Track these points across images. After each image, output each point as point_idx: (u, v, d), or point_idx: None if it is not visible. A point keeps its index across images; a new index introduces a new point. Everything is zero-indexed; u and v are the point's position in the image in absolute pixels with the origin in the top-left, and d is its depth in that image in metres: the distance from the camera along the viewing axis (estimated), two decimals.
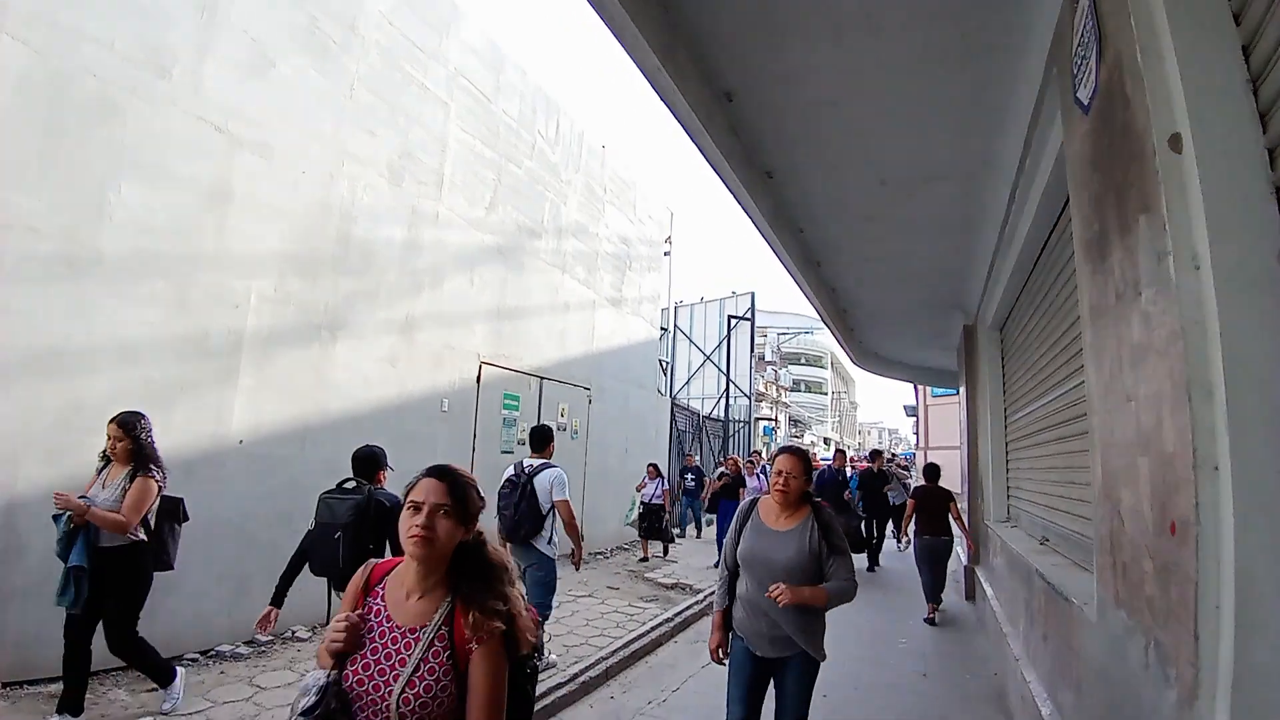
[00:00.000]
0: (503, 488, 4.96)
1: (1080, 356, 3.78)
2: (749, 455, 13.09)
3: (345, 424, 6.30)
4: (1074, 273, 3.80)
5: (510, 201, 8.58)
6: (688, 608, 7.08)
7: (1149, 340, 1.91)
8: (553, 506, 4.80)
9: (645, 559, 9.79)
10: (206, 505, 5.19)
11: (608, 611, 6.81)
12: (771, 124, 4.14)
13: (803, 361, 63.82)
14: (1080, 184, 2.62)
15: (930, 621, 7.05)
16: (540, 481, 4.81)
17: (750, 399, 20.22)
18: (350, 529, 3.59)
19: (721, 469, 10.86)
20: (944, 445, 29.44)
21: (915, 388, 34.45)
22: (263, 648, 5.45)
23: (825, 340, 63.91)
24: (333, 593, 3.94)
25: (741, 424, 19.71)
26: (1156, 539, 1.89)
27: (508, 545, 4.79)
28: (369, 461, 3.96)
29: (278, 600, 3.72)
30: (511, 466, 5.09)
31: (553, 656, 5.17)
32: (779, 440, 45.00)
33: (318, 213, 6.15)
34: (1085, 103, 2.48)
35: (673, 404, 14.47)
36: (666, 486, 9.79)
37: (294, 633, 5.73)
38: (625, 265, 11.62)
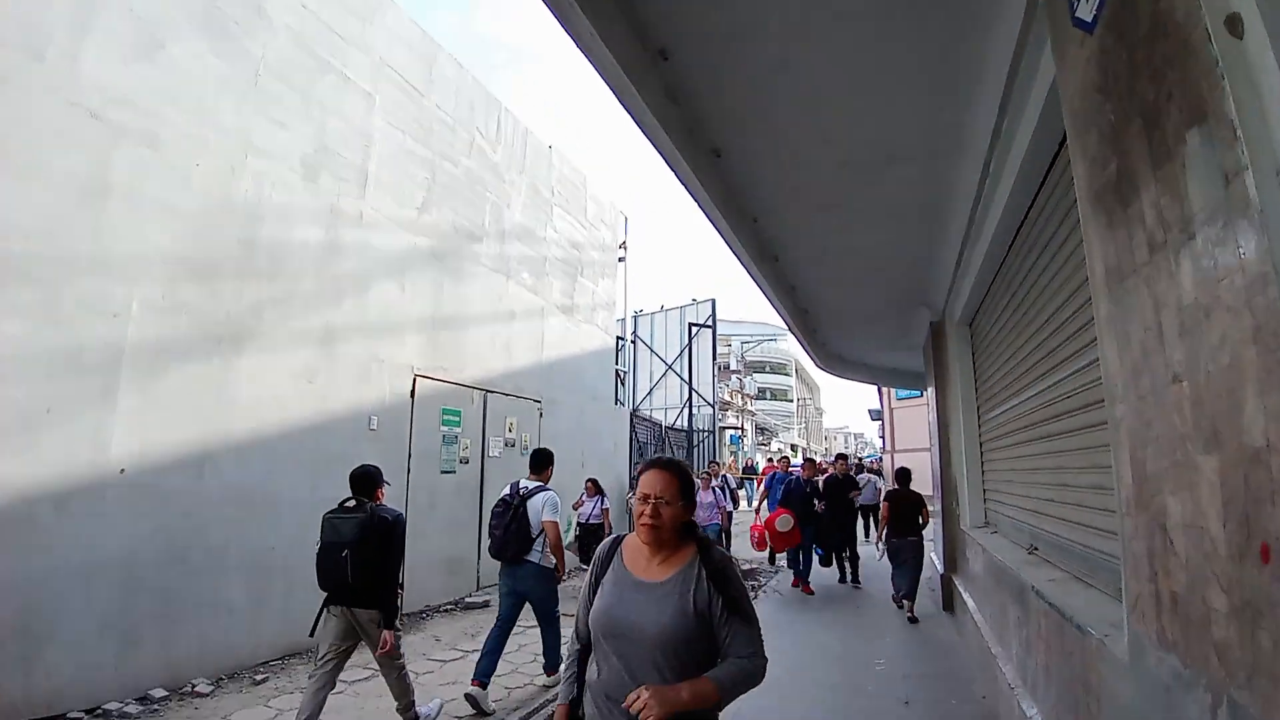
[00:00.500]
0: (496, 506, 5.03)
1: (1072, 342, 3.33)
2: (705, 467, 12.40)
3: (253, 448, 5.60)
4: (1064, 245, 3.36)
5: (446, 202, 7.96)
6: None
7: (1212, 295, 1.41)
8: (543, 529, 4.86)
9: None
10: (84, 543, 4.57)
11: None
12: (714, 90, 3.61)
13: (767, 370, 63.90)
14: (1085, 122, 2.13)
15: (913, 620, 7.10)
16: (533, 504, 4.89)
17: (714, 407, 19.76)
18: (356, 546, 3.71)
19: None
20: (911, 448, 29.38)
21: (880, 391, 34.45)
22: (156, 705, 4.72)
23: (789, 347, 64.13)
24: (325, 610, 3.95)
25: (706, 433, 19.22)
26: (1234, 566, 1.38)
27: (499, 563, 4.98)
28: (366, 480, 4.08)
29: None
30: (508, 486, 5.13)
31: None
32: (746, 449, 44.69)
33: (217, 211, 5.49)
34: (1089, 19, 2.00)
35: (632, 415, 13.90)
36: (607, 505, 8.65)
37: (194, 686, 4.99)
38: (576, 271, 11.05)
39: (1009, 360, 5.05)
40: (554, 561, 5.03)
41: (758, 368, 60.69)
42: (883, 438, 35.20)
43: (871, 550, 8.73)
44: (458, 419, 7.89)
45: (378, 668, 4.14)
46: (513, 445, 8.93)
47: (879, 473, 16.64)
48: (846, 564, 9.22)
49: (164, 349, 5.02)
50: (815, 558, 8.77)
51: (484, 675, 4.71)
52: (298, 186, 6.16)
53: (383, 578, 3.80)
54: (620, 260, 13.40)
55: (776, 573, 9.85)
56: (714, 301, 19.85)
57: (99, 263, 4.72)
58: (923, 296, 7.53)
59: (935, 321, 7.84)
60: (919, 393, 30.20)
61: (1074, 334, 3.27)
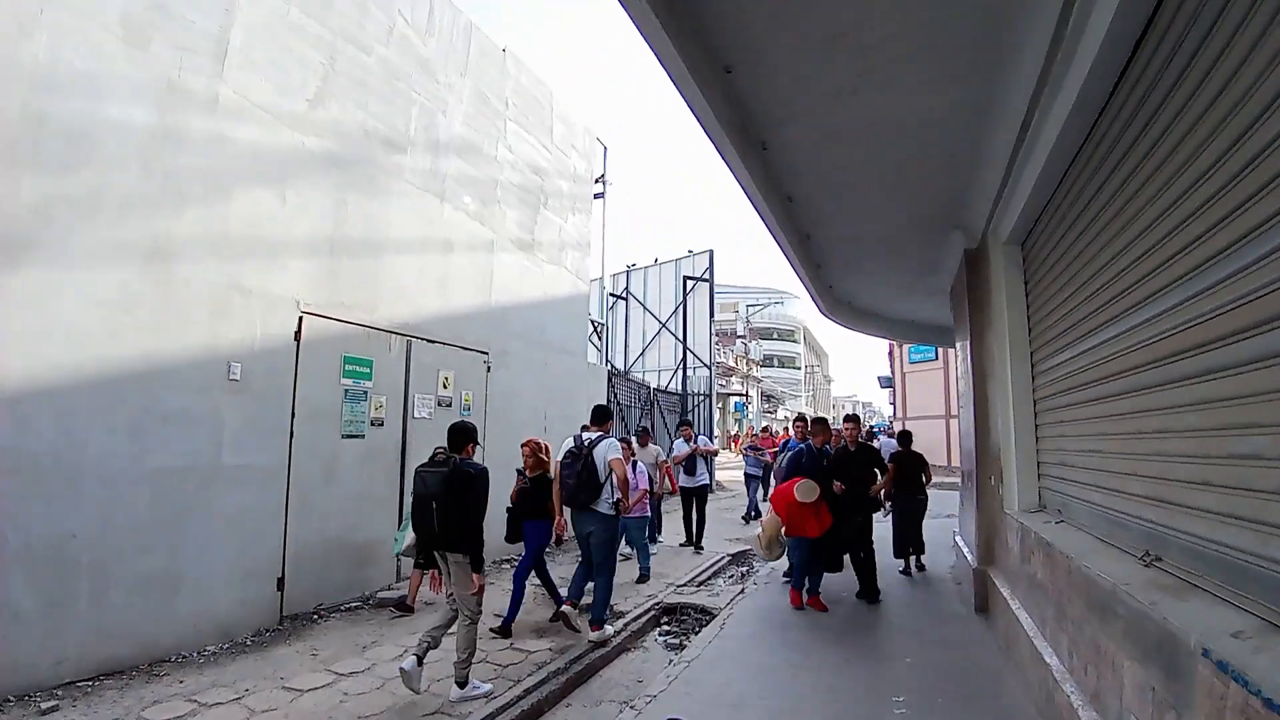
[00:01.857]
0: (564, 458, 5.37)
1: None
2: (678, 427, 10.38)
3: (36, 400, 4.05)
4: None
5: (351, 96, 6.27)
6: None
7: None
8: (610, 472, 5.23)
9: (407, 608, 5.88)
10: None
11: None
12: None
13: (775, 336, 62.25)
14: None
15: (921, 568, 7.74)
16: (599, 452, 5.27)
17: (710, 369, 18.10)
18: (441, 498, 4.05)
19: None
20: (923, 415, 27.82)
21: (890, 356, 32.80)
22: None
23: (797, 313, 62.47)
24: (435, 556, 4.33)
25: (702, 397, 17.60)
26: None
27: (568, 510, 5.45)
28: (460, 435, 4.34)
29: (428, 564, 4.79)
30: (571, 439, 5.48)
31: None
32: (750, 416, 43.16)
33: None
34: None
35: (611, 374, 12.28)
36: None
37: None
38: (539, 201, 9.34)
39: (1089, 283, 3.42)
40: (613, 510, 5.37)
41: (765, 334, 59.02)
42: (893, 404, 33.60)
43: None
44: (368, 371, 6.30)
45: (455, 612, 4.27)
46: (448, 405, 7.35)
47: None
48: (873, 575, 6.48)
49: None
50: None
51: (576, 595, 5.44)
52: (116, 53, 4.51)
53: (465, 525, 4.08)
54: (597, 197, 11.68)
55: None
56: (712, 253, 18.07)
57: None
58: (955, 213, 5.85)
59: (971, 249, 6.15)
60: (933, 355, 28.62)
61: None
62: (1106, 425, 3.34)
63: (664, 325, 18.94)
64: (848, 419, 6.97)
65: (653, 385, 15.91)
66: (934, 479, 8.11)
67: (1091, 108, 3.22)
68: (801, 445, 6.79)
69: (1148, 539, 2.81)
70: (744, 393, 44.90)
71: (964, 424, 7.12)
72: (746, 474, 12.94)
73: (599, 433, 5.43)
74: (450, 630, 4.27)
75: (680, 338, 17.90)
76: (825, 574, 6.34)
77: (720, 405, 38.08)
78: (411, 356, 6.83)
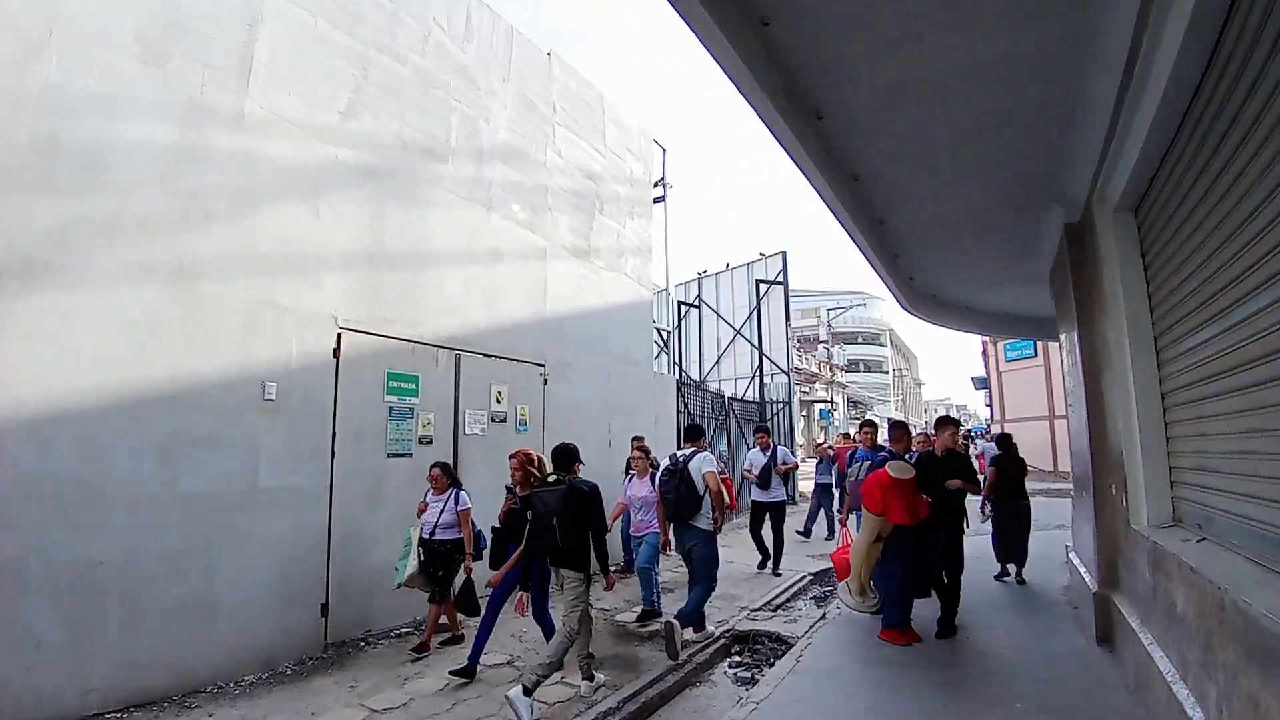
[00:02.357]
0: (662, 475, 5.66)
1: None
2: (754, 433, 9.29)
3: (60, 425, 3.95)
4: None
5: (386, 107, 6.09)
6: None
7: None
8: (706, 485, 5.43)
9: (424, 647, 5.23)
10: None
11: None
12: None
13: (860, 340, 60.22)
14: None
15: (1008, 579, 7.29)
16: (694, 466, 5.48)
17: (789, 375, 17.29)
18: (563, 515, 4.28)
19: (509, 485, 5.08)
20: (1024, 416, 25.87)
21: (984, 355, 30.79)
22: None
23: (882, 316, 60.19)
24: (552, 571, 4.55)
25: (781, 404, 16.81)
26: None
27: (670, 526, 5.67)
28: (567, 456, 4.57)
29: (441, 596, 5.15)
30: (668, 458, 5.76)
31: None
32: (837, 424, 41.59)
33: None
34: None
35: (680, 383, 11.75)
36: (466, 505, 5.29)
37: None
38: (594, 207, 9.00)
39: (1236, 238, 2.69)
40: (713, 527, 5.58)
41: (849, 338, 57.14)
42: (990, 406, 31.49)
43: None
44: (414, 387, 6.05)
45: (561, 620, 4.40)
46: (503, 420, 7.05)
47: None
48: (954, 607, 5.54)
49: None
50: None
51: (699, 622, 5.56)
52: (132, 72, 4.44)
53: (588, 539, 4.33)
54: (658, 201, 11.26)
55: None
56: (784, 254, 17.31)
57: None
58: (1052, 184, 5.07)
59: (1073, 223, 5.34)
60: (1032, 350, 26.61)
61: None
62: (1263, 419, 2.61)
63: (738, 332, 18.29)
64: (942, 421, 5.93)
65: (728, 394, 15.30)
66: (1041, 486, 7.91)
67: (1212, 22, 2.54)
68: (870, 455, 6.07)
69: None
70: (829, 399, 43.37)
71: (1074, 425, 6.23)
72: (816, 483, 11.37)
73: (693, 448, 5.72)
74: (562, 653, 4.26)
75: (755, 344, 17.21)
76: (915, 599, 5.57)
77: (804, 413, 36.90)
78: (460, 371, 6.56)
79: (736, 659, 5.51)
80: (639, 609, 6.14)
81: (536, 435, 7.49)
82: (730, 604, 6.56)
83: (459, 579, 5.23)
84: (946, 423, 5.91)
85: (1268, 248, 2.40)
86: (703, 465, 5.48)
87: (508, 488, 5.05)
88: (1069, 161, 4.64)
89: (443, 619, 5.43)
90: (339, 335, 5.44)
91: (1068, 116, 4.07)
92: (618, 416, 9.00)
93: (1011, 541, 7.28)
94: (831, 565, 6.68)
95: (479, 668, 4.69)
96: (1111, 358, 4.69)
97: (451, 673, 4.61)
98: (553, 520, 4.28)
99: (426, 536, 5.14)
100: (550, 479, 4.48)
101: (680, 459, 5.59)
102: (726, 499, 5.70)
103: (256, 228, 5.00)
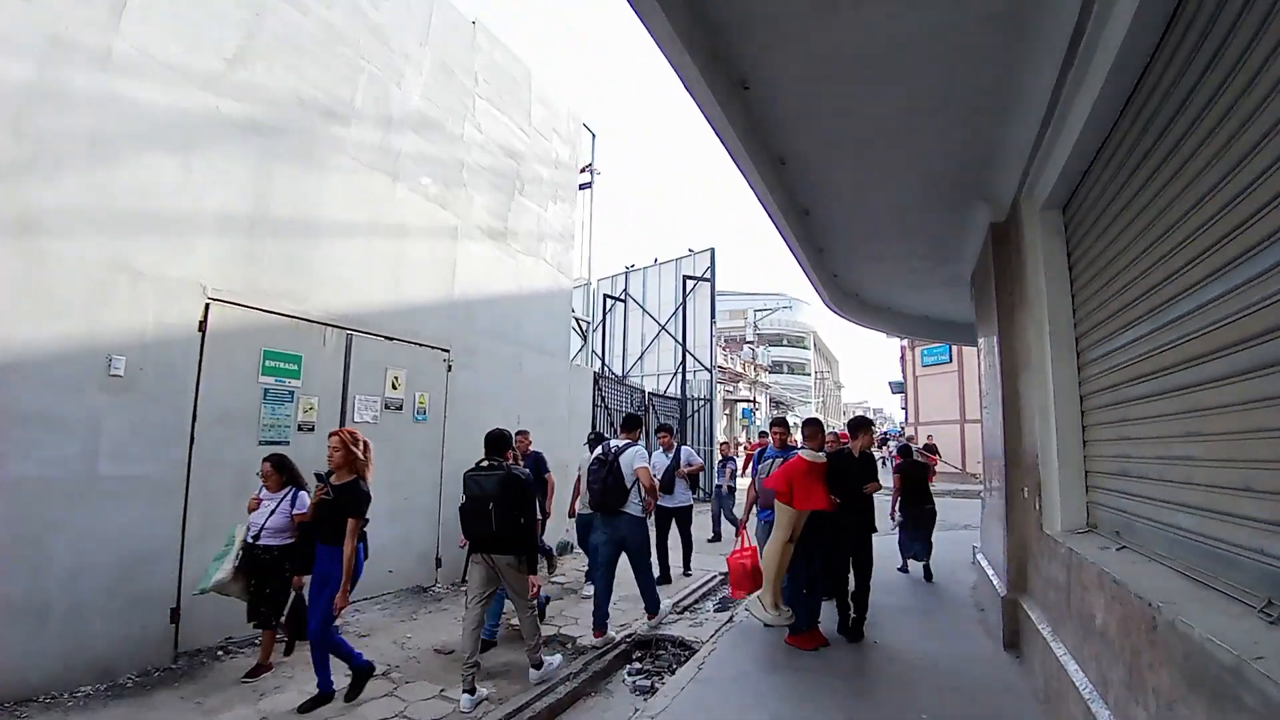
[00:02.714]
0: (591, 465, 5.62)
1: None
2: (656, 433, 8.96)
3: None
4: None
5: (281, 59, 5.46)
6: None
7: None
8: (636, 479, 5.39)
9: (262, 666, 4.48)
10: None
11: None
12: None
13: (784, 343, 61.23)
14: None
15: (929, 578, 7.49)
16: (625, 459, 5.43)
17: (711, 372, 17.18)
18: (499, 500, 4.16)
19: (321, 473, 4.24)
20: (937, 420, 26.72)
21: (902, 360, 31.70)
22: None
23: (807, 319, 61.47)
24: (474, 556, 4.36)
25: (703, 401, 16.69)
26: None
27: (598, 515, 5.56)
28: (500, 441, 4.43)
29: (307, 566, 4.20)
30: (600, 447, 5.70)
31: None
32: (759, 424, 42.08)
33: None
34: None
35: (598, 376, 11.39)
36: (304, 508, 4.45)
37: None
38: (514, 188, 8.51)
39: (1170, 236, 2.54)
40: (642, 511, 5.52)
41: (774, 340, 58.02)
42: (905, 409, 32.45)
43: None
44: (296, 368, 5.46)
45: (514, 609, 4.57)
46: (399, 408, 6.50)
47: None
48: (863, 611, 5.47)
49: None
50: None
51: (602, 625, 5.34)
52: None
53: (520, 527, 4.22)
54: (583, 187, 10.85)
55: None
56: (713, 251, 17.18)
57: None
58: (981, 178, 4.96)
59: (999, 222, 5.26)
60: (947, 356, 27.54)
61: None
62: (1200, 423, 2.45)
63: (663, 327, 18.07)
64: (861, 422, 5.74)
65: (649, 390, 15.03)
66: (949, 487, 8.39)
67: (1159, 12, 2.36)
68: (780, 454, 5.84)
69: (1268, 582, 1.91)
70: (752, 399, 43.87)
71: (989, 426, 6.20)
72: (714, 485, 11.16)
73: (627, 440, 5.62)
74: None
75: (680, 340, 17.02)
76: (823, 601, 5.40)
77: (727, 411, 37.14)
78: (352, 352, 5.99)
79: (637, 666, 5.19)
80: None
81: (437, 425, 6.98)
82: (635, 606, 6.20)
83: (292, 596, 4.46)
84: (864, 424, 5.76)
85: (1214, 238, 2.22)
86: (635, 461, 5.40)
87: (318, 475, 4.18)
88: (1000, 156, 4.51)
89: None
90: (206, 306, 4.81)
91: (1002, 106, 3.91)
92: (529, 408, 8.55)
93: (916, 540, 7.64)
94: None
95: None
96: (1031, 358, 4.59)
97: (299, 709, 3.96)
98: (489, 506, 4.14)
99: (250, 540, 4.36)
100: (484, 464, 4.35)
101: (613, 450, 5.48)
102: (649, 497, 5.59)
103: (114, 181, 4.34)
